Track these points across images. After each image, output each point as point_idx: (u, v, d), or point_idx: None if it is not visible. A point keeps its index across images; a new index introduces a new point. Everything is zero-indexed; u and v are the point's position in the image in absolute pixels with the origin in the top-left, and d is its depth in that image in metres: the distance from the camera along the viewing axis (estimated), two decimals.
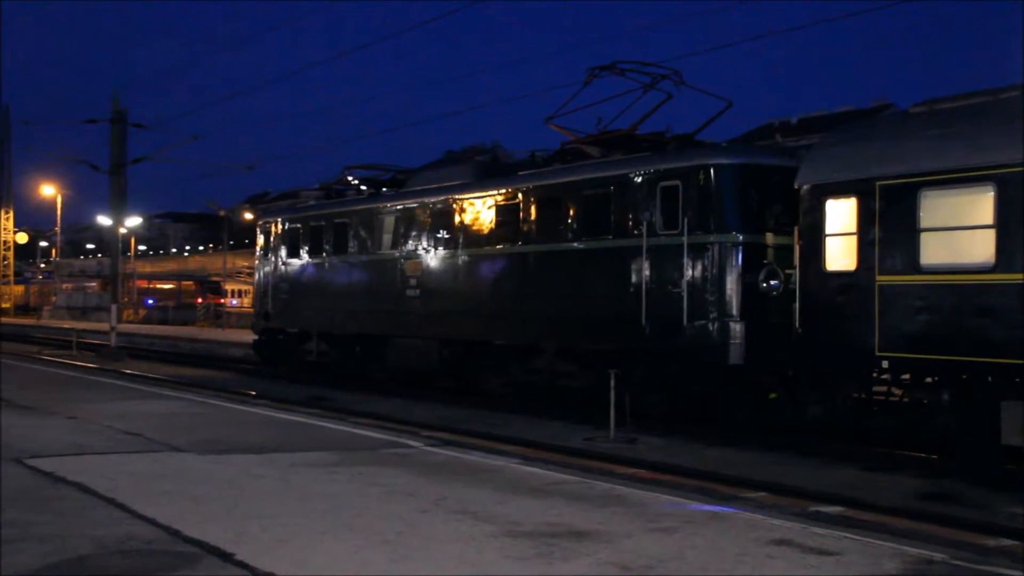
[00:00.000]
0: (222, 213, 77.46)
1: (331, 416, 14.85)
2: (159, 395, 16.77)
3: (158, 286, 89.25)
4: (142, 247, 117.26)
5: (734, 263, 14.07)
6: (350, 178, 24.21)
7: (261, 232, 25.61)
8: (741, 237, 14.13)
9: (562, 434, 14.56)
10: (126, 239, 77.03)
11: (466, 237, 18.67)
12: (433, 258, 19.47)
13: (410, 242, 20.08)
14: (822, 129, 25.82)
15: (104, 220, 46.23)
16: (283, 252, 24.44)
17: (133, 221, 58.03)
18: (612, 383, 13.96)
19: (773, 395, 13.75)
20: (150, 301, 77.20)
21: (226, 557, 5.88)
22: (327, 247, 22.77)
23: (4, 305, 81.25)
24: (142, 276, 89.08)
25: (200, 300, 71.95)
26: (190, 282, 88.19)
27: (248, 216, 72.04)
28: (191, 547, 6.12)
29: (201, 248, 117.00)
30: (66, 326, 49.82)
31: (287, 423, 13.10)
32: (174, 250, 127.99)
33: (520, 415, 16.71)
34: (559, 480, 8.91)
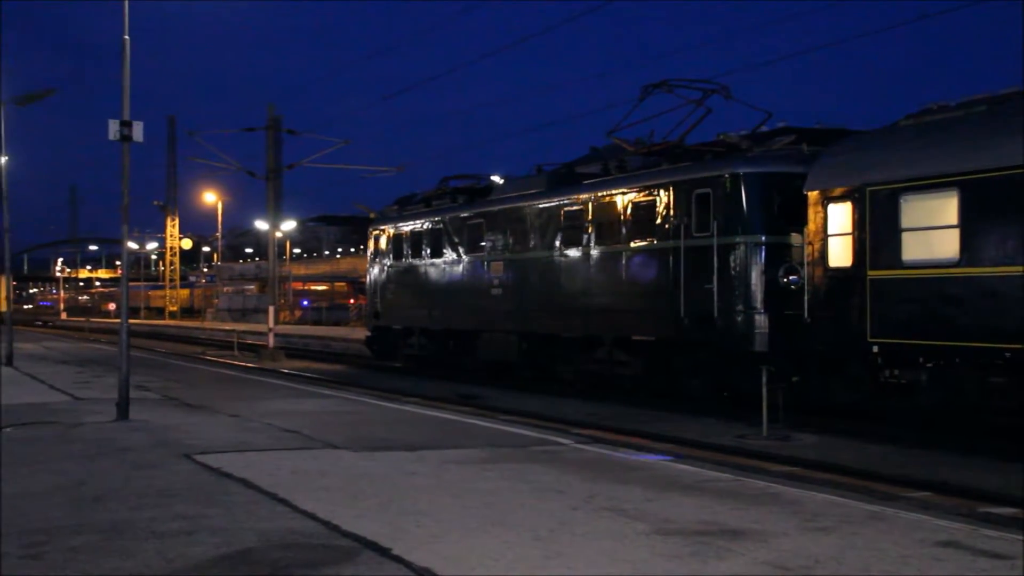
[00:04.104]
0: (372, 215, 79.46)
1: (480, 414, 15.05)
2: (315, 393, 17.35)
3: (312, 288, 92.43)
4: (296, 250, 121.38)
5: (758, 261, 15.61)
6: (448, 187, 26.00)
7: (372, 238, 27.98)
8: (764, 238, 15.63)
9: (713, 431, 14.35)
10: (281, 243, 79.97)
11: (539, 240, 20.54)
12: (512, 259, 21.46)
13: (494, 245, 22.06)
14: None
15: (261, 224, 48.07)
16: (390, 256, 26.76)
17: (288, 225, 60.16)
18: (764, 379, 13.73)
19: (795, 378, 14.82)
20: (305, 302, 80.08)
21: (384, 552, 6.01)
22: (425, 251, 24.92)
23: (171, 308, 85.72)
24: (297, 278, 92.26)
25: (352, 301, 74.13)
26: (342, 283, 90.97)
27: None
28: (350, 541, 6.29)
29: (352, 250, 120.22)
30: (227, 327, 52.12)
31: (437, 420, 13.34)
32: (327, 252, 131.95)
33: (669, 412, 16.58)
34: (711, 478, 8.77)
